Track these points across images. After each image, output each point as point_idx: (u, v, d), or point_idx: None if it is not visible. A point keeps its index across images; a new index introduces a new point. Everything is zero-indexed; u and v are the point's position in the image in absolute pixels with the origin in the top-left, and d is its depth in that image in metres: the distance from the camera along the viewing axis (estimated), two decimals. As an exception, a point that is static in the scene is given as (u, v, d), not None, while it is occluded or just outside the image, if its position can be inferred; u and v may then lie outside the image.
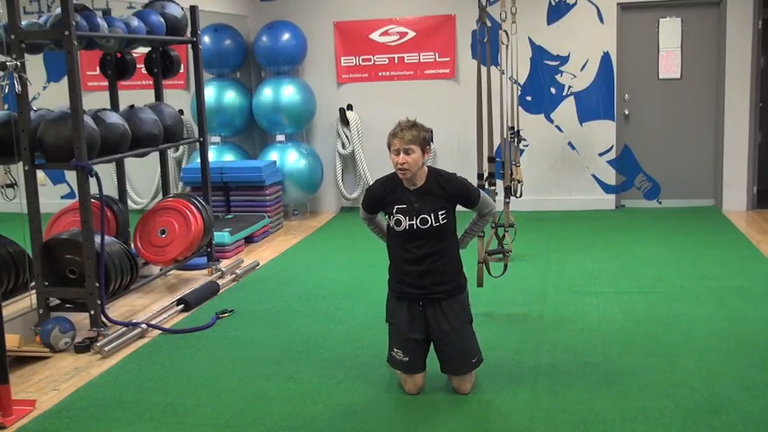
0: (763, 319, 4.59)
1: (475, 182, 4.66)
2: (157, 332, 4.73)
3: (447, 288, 3.66)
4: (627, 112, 8.13)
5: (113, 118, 5.01)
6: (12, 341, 4.15)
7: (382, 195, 3.69)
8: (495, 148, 5.32)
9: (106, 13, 5.49)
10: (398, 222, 3.61)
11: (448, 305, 3.65)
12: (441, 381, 3.81)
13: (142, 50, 6.11)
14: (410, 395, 3.69)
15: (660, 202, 8.22)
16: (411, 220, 3.59)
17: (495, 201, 5.19)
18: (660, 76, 8.04)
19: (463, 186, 3.70)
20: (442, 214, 3.60)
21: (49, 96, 7.15)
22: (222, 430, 3.43)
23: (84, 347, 4.45)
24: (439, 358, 3.72)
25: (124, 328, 4.66)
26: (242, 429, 3.43)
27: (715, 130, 8.00)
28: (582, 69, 8.01)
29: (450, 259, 3.69)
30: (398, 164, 3.54)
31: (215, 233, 6.28)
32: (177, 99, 7.59)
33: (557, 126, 8.13)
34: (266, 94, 8.05)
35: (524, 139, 7.79)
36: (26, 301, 4.84)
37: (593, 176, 8.16)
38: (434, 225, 3.59)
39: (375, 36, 8.23)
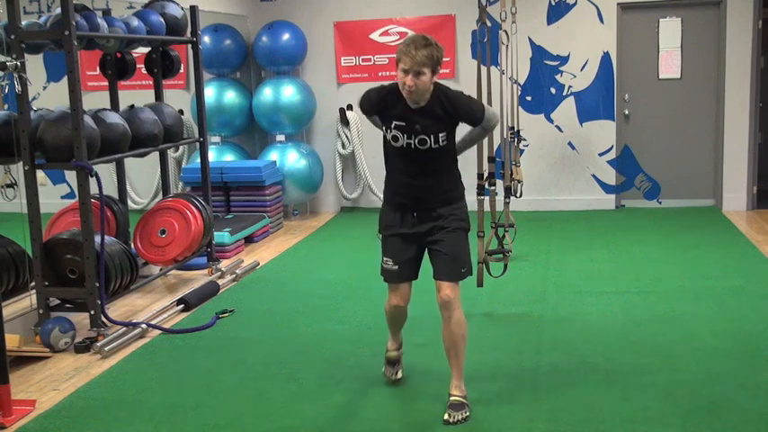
0: (763, 319, 4.59)
1: (475, 182, 4.68)
2: (157, 332, 4.73)
3: (442, 198, 3.48)
4: (627, 112, 8.13)
5: (113, 118, 5.01)
6: (12, 341, 4.15)
7: (380, 106, 3.47)
8: (495, 148, 5.32)
9: (106, 13, 5.49)
10: (395, 138, 3.41)
11: (443, 211, 3.47)
12: (441, 381, 3.81)
13: (142, 50, 6.11)
14: (397, 308, 3.60)
15: (660, 202, 8.22)
16: (409, 138, 3.38)
17: (495, 201, 5.23)
18: (660, 76, 8.04)
19: (468, 108, 3.46)
20: (442, 136, 3.39)
21: (48, 96, 7.14)
22: (222, 430, 3.43)
23: (84, 347, 4.44)
24: (432, 264, 3.53)
25: (124, 328, 4.66)
26: (242, 429, 3.43)
27: (715, 130, 8.00)
28: (582, 69, 8.01)
29: (447, 173, 3.51)
30: (407, 85, 3.27)
31: (215, 233, 6.27)
32: (177, 99, 7.59)
33: (557, 126, 8.13)
34: (266, 94, 8.05)
35: (524, 139, 7.80)
36: (26, 301, 4.84)
37: (593, 176, 8.16)
38: (433, 146, 3.39)
39: (375, 36, 8.23)
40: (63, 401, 3.77)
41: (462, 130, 3.59)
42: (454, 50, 8.13)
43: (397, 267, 3.54)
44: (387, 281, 3.61)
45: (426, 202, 3.49)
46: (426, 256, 3.59)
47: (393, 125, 3.41)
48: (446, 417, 3.43)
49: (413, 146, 3.40)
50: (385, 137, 3.51)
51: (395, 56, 3.35)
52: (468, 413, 3.45)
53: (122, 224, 5.66)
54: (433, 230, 3.50)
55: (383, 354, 3.93)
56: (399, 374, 3.81)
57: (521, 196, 6.28)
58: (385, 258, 3.57)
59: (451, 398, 3.49)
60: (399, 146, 3.44)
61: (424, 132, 3.38)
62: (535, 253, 6.36)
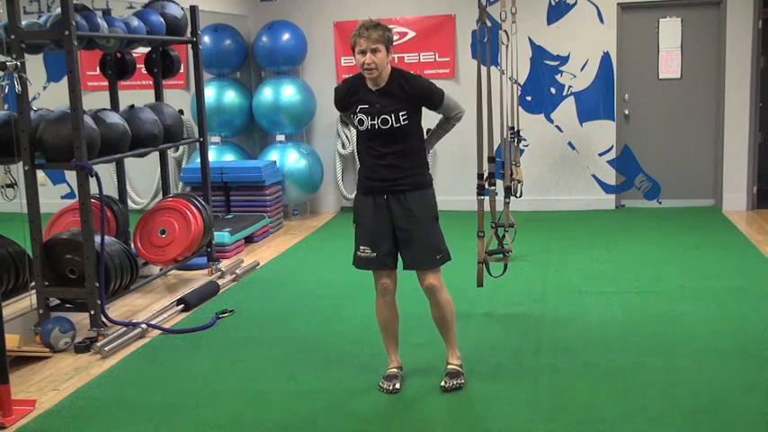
0: (763, 319, 4.59)
1: (475, 182, 4.68)
2: (157, 332, 4.73)
3: (410, 181, 3.66)
4: (627, 112, 8.13)
5: (113, 118, 5.01)
6: (12, 341, 4.15)
7: (346, 95, 3.69)
8: (495, 148, 5.31)
9: (106, 13, 5.49)
10: (361, 122, 3.64)
11: (412, 198, 3.65)
12: (440, 382, 3.81)
13: (142, 50, 6.11)
14: (385, 291, 3.73)
15: (660, 202, 8.22)
16: (372, 120, 3.60)
17: (495, 201, 5.23)
18: (660, 76, 8.04)
19: (424, 88, 3.67)
20: (402, 115, 3.59)
21: (48, 96, 7.15)
22: (222, 430, 3.43)
23: (84, 347, 4.44)
24: (402, 256, 3.72)
25: (124, 328, 4.66)
26: (242, 429, 3.43)
27: (715, 130, 8.00)
28: (582, 69, 8.01)
29: (413, 156, 3.69)
30: (365, 63, 3.53)
31: (215, 233, 6.27)
32: (177, 99, 7.59)
33: (557, 126, 8.13)
34: (266, 94, 8.05)
35: (524, 139, 7.79)
36: (26, 301, 4.84)
37: (593, 176, 8.16)
38: (395, 126, 3.59)
39: (375, 36, 8.22)
40: (63, 401, 3.77)
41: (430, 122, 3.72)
42: (454, 50, 8.14)
43: (375, 255, 3.69)
44: (367, 268, 3.75)
45: (395, 184, 3.65)
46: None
47: (358, 109, 3.64)
48: (442, 383, 3.71)
49: (376, 126, 3.61)
50: (355, 126, 3.71)
51: (350, 44, 3.63)
52: (463, 381, 3.73)
53: (122, 224, 5.66)
54: (403, 220, 3.65)
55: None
56: (398, 386, 3.76)
57: (521, 196, 6.27)
58: (361, 247, 3.73)
59: (449, 366, 3.79)
60: (365, 128, 3.65)
61: (385, 111, 3.59)
62: (535, 253, 6.36)
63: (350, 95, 3.68)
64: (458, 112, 3.78)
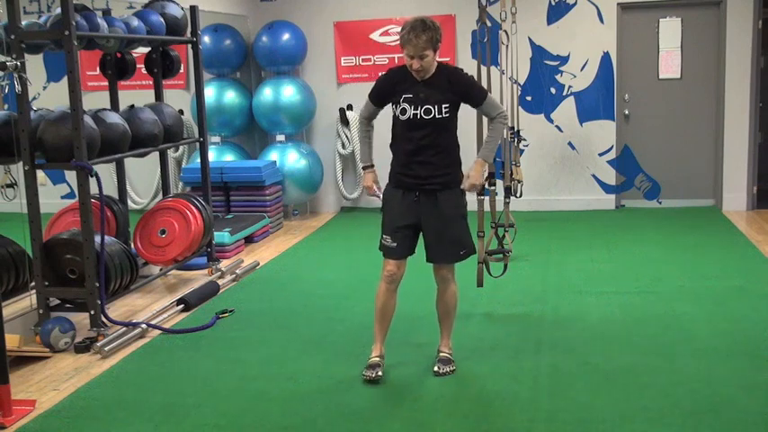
0: (763, 319, 4.59)
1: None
2: (157, 332, 4.73)
3: (443, 180, 3.75)
4: (627, 112, 8.13)
5: (113, 118, 5.01)
6: (12, 341, 4.15)
7: (393, 83, 3.77)
8: (495, 148, 5.31)
9: (106, 13, 5.49)
10: (404, 111, 3.71)
11: (443, 196, 3.76)
12: (441, 381, 3.81)
13: (142, 50, 6.11)
14: (391, 278, 3.81)
15: (660, 202, 8.22)
16: (416, 109, 3.69)
17: (495, 201, 5.23)
18: (660, 76, 8.04)
19: (468, 82, 3.79)
20: (445, 107, 3.69)
21: (48, 96, 7.15)
22: (222, 430, 3.43)
23: (84, 347, 4.44)
24: (427, 247, 3.82)
25: (124, 328, 4.66)
26: (242, 429, 3.43)
27: (715, 130, 8.00)
28: (582, 69, 8.01)
29: (449, 154, 3.78)
30: (413, 67, 3.64)
31: (215, 233, 6.27)
32: (177, 99, 7.59)
33: (557, 126, 8.13)
34: (266, 94, 8.05)
35: (524, 139, 7.80)
36: (26, 301, 4.84)
37: (593, 176, 8.16)
38: (437, 117, 3.68)
39: (375, 36, 8.23)
40: (63, 401, 3.77)
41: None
42: (454, 50, 8.13)
43: (395, 245, 3.78)
44: (384, 255, 3.84)
45: (428, 182, 3.73)
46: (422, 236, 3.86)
47: (402, 98, 3.73)
48: (435, 368, 3.88)
49: (419, 116, 3.69)
50: (394, 116, 3.79)
51: (399, 41, 3.70)
52: (454, 368, 3.90)
53: (122, 224, 5.66)
54: (432, 217, 3.75)
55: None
56: (380, 373, 3.84)
57: (521, 196, 6.28)
58: (384, 236, 3.82)
59: (441, 354, 3.96)
60: (406, 118, 3.72)
61: (429, 102, 3.68)
62: (535, 253, 6.36)
63: (396, 84, 3.76)
64: (500, 112, 3.82)
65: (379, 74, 3.91)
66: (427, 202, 3.75)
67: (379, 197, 3.90)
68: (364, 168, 4.01)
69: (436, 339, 4.09)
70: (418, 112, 3.68)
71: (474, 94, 3.78)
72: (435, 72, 3.72)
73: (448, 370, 3.87)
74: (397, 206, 3.80)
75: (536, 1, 7.94)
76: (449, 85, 3.71)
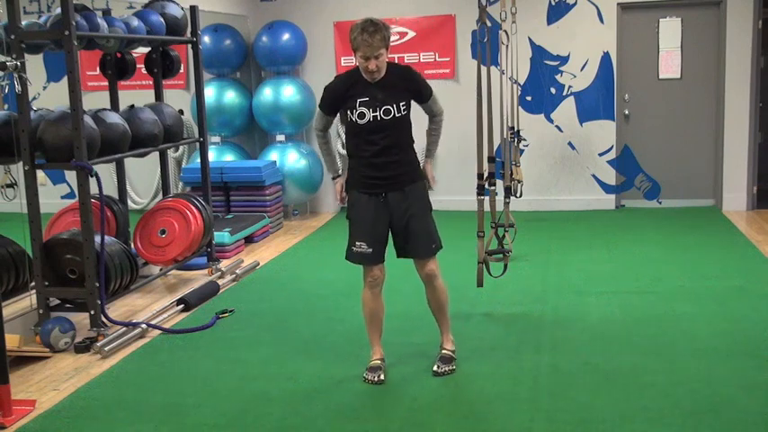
0: (763, 319, 4.59)
1: (475, 182, 4.69)
2: (157, 332, 4.73)
3: (409, 176, 3.79)
4: (627, 112, 8.13)
5: (113, 118, 5.01)
6: (12, 341, 4.15)
7: (345, 89, 3.74)
8: (495, 148, 5.32)
9: (106, 13, 5.49)
10: (362, 115, 3.70)
11: (410, 191, 3.79)
12: (441, 381, 3.81)
13: (142, 50, 6.11)
14: (374, 282, 3.83)
15: (660, 202, 8.22)
16: (375, 111, 3.69)
17: (495, 201, 5.23)
18: (660, 76, 8.04)
19: (421, 81, 3.85)
20: (403, 105, 3.73)
21: (48, 96, 7.15)
22: (222, 430, 3.43)
23: (84, 347, 4.44)
24: (398, 245, 3.84)
25: (124, 328, 4.66)
26: (242, 429, 3.43)
27: (715, 130, 8.00)
28: (582, 69, 8.01)
29: (409, 149, 3.83)
30: (369, 68, 3.63)
31: (215, 233, 6.27)
32: (177, 99, 7.59)
33: (557, 126, 8.13)
34: (266, 94, 8.05)
35: (524, 139, 7.79)
36: (26, 301, 4.84)
37: (593, 176, 8.16)
38: (396, 115, 3.71)
39: (375, 36, 8.22)
40: (63, 401, 3.77)
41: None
42: (454, 50, 8.13)
43: (371, 251, 3.78)
44: (361, 263, 3.83)
45: (395, 181, 3.75)
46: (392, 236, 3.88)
47: (357, 103, 3.70)
48: (435, 368, 3.87)
49: (378, 118, 3.70)
50: (348, 122, 3.77)
51: (350, 43, 3.65)
52: (454, 367, 3.88)
53: (122, 224, 5.66)
54: (402, 213, 3.76)
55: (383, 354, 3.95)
56: (382, 377, 3.84)
57: (521, 196, 6.27)
58: (357, 242, 3.81)
59: (442, 351, 3.96)
60: (366, 121, 3.71)
61: (387, 102, 3.69)
62: (535, 253, 6.35)
63: (347, 89, 3.74)
64: (441, 110, 3.94)
65: (324, 87, 3.87)
66: (396, 200, 3.76)
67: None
68: (333, 179, 4.06)
69: (435, 339, 4.09)
70: (378, 113, 3.68)
71: (424, 91, 3.84)
72: (386, 72, 3.72)
73: (447, 369, 3.86)
74: (367, 210, 3.79)
75: (536, 1, 7.94)
76: (403, 83, 3.74)
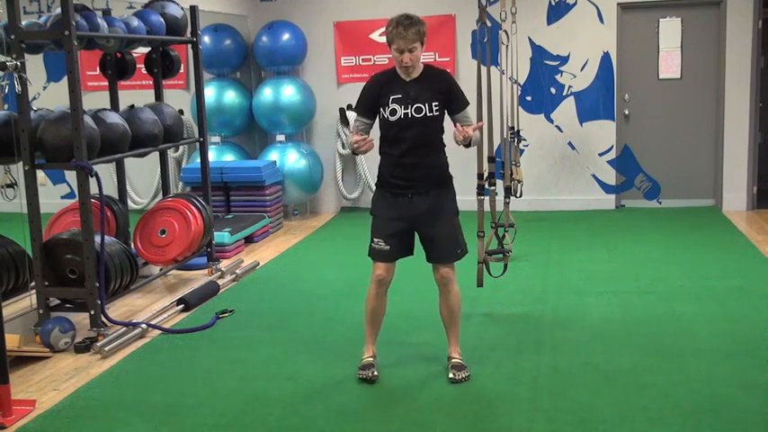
0: (763, 319, 4.59)
1: (474, 182, 4.69)
2: (157, 332, 4.73)
3: (436, 180, 3.79)
4: (627, 112, 8.13)
5: (113, 118, 5.01)
6: (12, 341, 4.15)
7: (379, 87, 3.74)
8: (495, 148, 5.32)
9: (106, 13, 5.49)
10: (393, 112, 3.69)
11: (437, 194, 3.77)
12: (441, 381, 3.81)
13: (142, 50, 6.11)
14: (381, 283, 3.81)
15: (660, 202, 8.22)
16: (406, 108, 3.67)
17: (495, 201, 5.23)
18: (660, 76, 8.04)
19: (456, 87, 3.79)
20: (435, 105, 3.69)
21: (48, 96, 7.14)
22: (222, 430, 3.43)
23: (84, 347, 4.44)
24: (426, 248, 3.82)
25: (124, 328, 4.66)
26: (242, 429, 3.43)
27: (715, 130, 8.00)
28: (582, 69, 8.01)
29: (438, 155, 3.81)
30: (403, 62, 3.62)
31: (215, 233, 6.27)
32: (177, 99, 7.59)
33: (557, 126, 8.13)
34: (266, 94, 8.06)
35: (524, 139, 7.80)
36: (26, 301, 4.84)
37: (594, 176, 8.16)
38: (428, 114, 3.68)
39: (375, 36, 8.23)
40: (63, 401, 3.77)
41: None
42: (454, 50, 8.13)
43: (388, 248, 3.76)
44: (376, 260, 3.81)
45: (421, 183, 3.73)
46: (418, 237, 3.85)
47: (390, 99, 3.69)
48: (451, 375, 3.80)
49: (410, 115, 3.67)
50: (382, 119, 3.75)
51: (386, 37, 3.67)
52: (469, 373, 3.82)
53: (122, 224, 5.66)
54: (427, 216, 3.75)
55: (383, 354, 3.96)
56: (376, 373, 3.85)
57: (521, 196, 6.28)
58: (376, 239, 3.79)
59: (453, 360, 3.88)
60: (397, 118, 3.69)
61: (419, 100, 3.67)
62: (535, 253, 6.35)
63: (381, 86, 3.73)
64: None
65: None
66: (421, 202, 3.74)
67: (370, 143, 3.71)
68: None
69: (436, 339, 4.09)
70: (409, 110, 3.67)
71: (459, 99, 3.78)
72: (422, 71, 3.72)
73: (463, 376, 3.79)
74: (390, 209, 3.78)
75: (536, 1, 7.94)
76: (437, 85, 3.72)
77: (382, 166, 3.83)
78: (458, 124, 3.74)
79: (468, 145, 3.74)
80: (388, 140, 3.76)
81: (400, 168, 3.73)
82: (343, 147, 8.39)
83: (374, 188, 3.92)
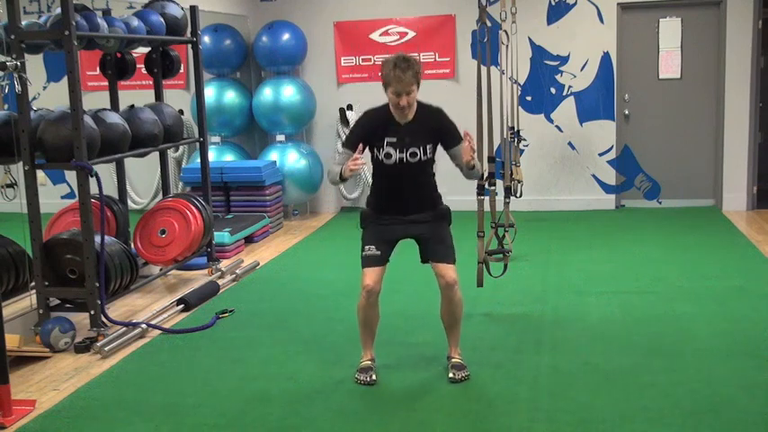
0: (763, 319, 4.59)
1: (475, 182, 4.69)
2: (157, 332, 4.73)
3: (429, 204, 3.83)
4: (627, 112, 8.13)
5: (113, 118, 5.01)
6: (12, 341, 4.15)
7: (374, 127, 3.73)
8: (495, 148, 5.32)
9: (106, 13, 5.49)
10: (388, 156, 3.71)
11: (430, 212, 3.84)
12: (441, 381, 3.81)
13: (142, 50, 6.11)
14: (371, 292, 3.75)
15: (660, 202, 8.22)
16: (401, 153, 3.69)
17: (495, 201, 5.23)
18: (660, 76, 8.04)
19: (452, 127, 3.79)
20: (429, 147, 3.72)
21: (48, 96, 7.15)
22: (222, 430, 3.43)
23: (84, 347, 4.44)
24: (424, 249, 3.85)
25: (124, 328, 4.66)
26: (242, 429, 3.43)
27: (715, 130, 8.00)
28: (582, 69, 8.01)
29: (432, 188, 3.86)
30: (401, 105, 3.61)
31: (215, 233, 6.27)
32: (177, 99, 7.59)
33: (557, 126, 8.13)
34: (266, 94, 8.06)
35: (524, 139, 7.79)
36: (26, 301, 4.84)
37: (593, 176, 8.16)
38: (423, 159, 3.71)
39: (375, 36, 8.23)
40: (63, 401, 3.77)
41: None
42: (454, 50, 8.13)
43: (379, 253, 3.78)
44: (368, 266, 3.79)
45: (413, 208, 3.80)
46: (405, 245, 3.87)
47: (385, 142, 3.70)
48: (451, 375, 3.81)
49: (404, 160, 3.70)
50: (376, 159, 3.78)
51: (381, 79, 3.63)
52: (469, 372, 3.83)
53: (122, 224, 5.66)
54: (421, 223, 3.80)
55: (383, 354, 3.97)
56: (374, 377, 3.85)
57: (521, 196, 6.28)
58: (367, 247, 3.80)
59: (453, 360, 3.89)
60: (392, 162, 3.72)
61: (414, 145, 3.68)
62: (535, 253, 6.35)
63: (377, 127, 3.72)
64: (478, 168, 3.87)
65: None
66: (416, 221, 3.81)
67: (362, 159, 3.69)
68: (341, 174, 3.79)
69: (436, 339, 4.09)
70: (404, 155, 3.68)
71: (453, 135, 3.77)
72: (416, 112, 3.70)
73: (463, 375, 3.81)
74: (382, 223, 3.81)
75: (536, 1, 7.94)
76: (431, 127, 3.72)
77: (374, 193, 3.90)
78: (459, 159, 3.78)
79: (471, 168, 3.74)
80: (382, 177, 3.82)
81: (393, 200, 3.80)
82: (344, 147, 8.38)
83: (365, 206, 3.94)
